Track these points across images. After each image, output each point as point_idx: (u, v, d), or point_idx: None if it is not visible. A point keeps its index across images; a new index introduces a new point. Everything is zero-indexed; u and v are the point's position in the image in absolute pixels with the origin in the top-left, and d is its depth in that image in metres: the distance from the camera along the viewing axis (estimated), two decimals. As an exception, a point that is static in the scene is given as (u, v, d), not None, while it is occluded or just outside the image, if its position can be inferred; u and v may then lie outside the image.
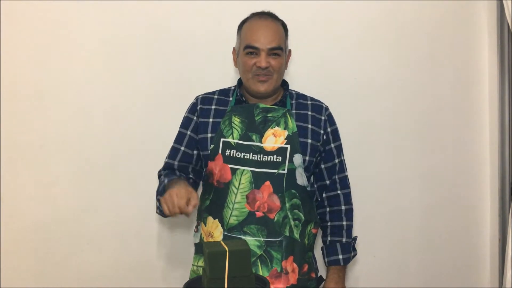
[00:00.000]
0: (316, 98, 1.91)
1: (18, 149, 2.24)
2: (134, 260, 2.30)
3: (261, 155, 1.72)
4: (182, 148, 1.84)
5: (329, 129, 1.85)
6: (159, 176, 1.88)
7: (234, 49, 1.86)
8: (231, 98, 1.85)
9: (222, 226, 1.74)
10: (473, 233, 2.48)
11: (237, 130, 1.76)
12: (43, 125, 2.25)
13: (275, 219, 1.72)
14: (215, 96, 1.87)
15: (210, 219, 1.77)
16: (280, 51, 1.76)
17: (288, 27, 1.86)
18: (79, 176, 2.27)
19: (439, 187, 2.44)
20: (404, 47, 2.39)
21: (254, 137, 1.74)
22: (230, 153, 1.74)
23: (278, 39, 1.76)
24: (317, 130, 1.81)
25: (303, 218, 1.77)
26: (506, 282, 2.18)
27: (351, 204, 1.89)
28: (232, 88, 1.89)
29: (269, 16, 1.81)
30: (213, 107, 1.83)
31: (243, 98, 1.83)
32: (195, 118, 1.84)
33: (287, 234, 1.74)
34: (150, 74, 2.28)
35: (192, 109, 1.86)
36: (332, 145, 1.86)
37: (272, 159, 1.72)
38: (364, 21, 2.36)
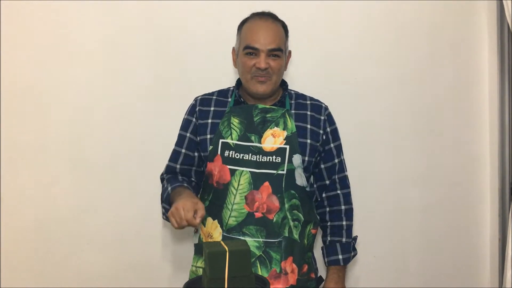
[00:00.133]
0: (316, 98, 1.90)
1: (18, 149, 2.24)
2: (134, 260, 2.30)
3: (260, 155, 1.72)
4: (183, 151, 1.84)
5: (328, 129, 1.84)
6: (162, 180, 1.88)
7: (233, 49, 1.85)
8: (229, 99, 1.84)
9: (221, 227, 1.74)
10: (473, 233, 2.48)
11: (236, 131, 1.75)
12: (43, 125, 2.25)
13: (274, 219, 1.71)
14: (214, 97, 1.86)
15: (209, 220, 1.77)
16: (280, 53, 1.76)
17: (288, 27, 1.86)
18: (79, 176, 2.27)
19: (439, 187, 2.44)
20: (404, 47, 2.39)
21: (253, 138, 1.74)
22: (229, 154, 1.73)
23: (278, 40, 1.75)
24: (316, 130, 1.81)
25: (303, 218, 1.77)
26: (506, 282, 2.18)
27: (351, 204, 1.88)
28: (231, 88, 1.89)
29: (269, 16, 1.80)
30: (212, 108, 1.83)
31: (242, 99, 1.82)
32: (194, 120, 1.84)
33: (286, 234, 1.73)
34: (150, 74, 2.28)
35: (191, 111, 1.86)
36: (332, 145, 1.85)
37: (271, 160, 1.72)
38: (364, 21, 2.36)
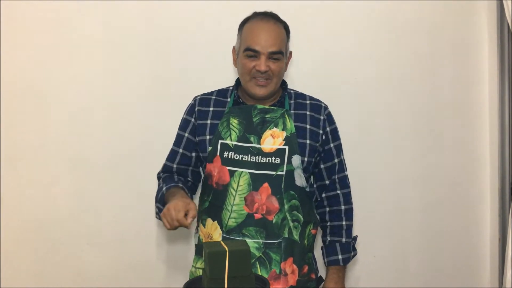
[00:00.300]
0: (316, 97, 1.90)
1: (18, 149, 2.24)
2: (134, 260, 2.30)
3: (259, 156, 1.71)
4: (180, 151, 1.84)
5: (328, 129, 1.83)
6: (158, 178, 1.88)
7: (234, 48, 1.84)
8: (229, 99, 1.83)
9: (221, 228, 1.73)
10: (473, 233, 2.48)
11: (235, 131, 1.74)
12: (43, 125, 2.25)
13: (274, 220, 1.71)
14: (213, 97, 1.85)
15: (209, 220, 1.76)
16: (281, 55, 1.74)
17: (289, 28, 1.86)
18: (79, 176, 2.27)
19: (439, 187, 2.45)
20: (404, 47, 2.39)
21: (252, 139, 1.73)
22: (228, 155, 1.72)
23: (279, 43, 1.73)
24: (316, 131, 1.80)
25: (302, 219, 1.76)
26: (506, 282, 2.18)
27: (351, 203, 1.88)
28: (230, 88, 1.87)
29: (271, 17, 1.77)
30: (211, 108, 1.82)
31: (241, 99, 1.81)
32: (193, 120, 1.83)
33: (286, 235, 1.73)
34: (150, 74, 2.28)
35: (190, 110, 1.85)
36: (332, 145, 1.85)
37: (270, 161, 1.71)
38: (364, 21, 2.36)
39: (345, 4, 2.35)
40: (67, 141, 2.26)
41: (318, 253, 1.90)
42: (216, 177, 1.74)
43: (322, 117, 1.82)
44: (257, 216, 1.70)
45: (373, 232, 2.39)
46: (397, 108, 2.40)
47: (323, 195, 1.86)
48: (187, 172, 1.86)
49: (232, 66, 1.89)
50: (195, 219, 1.78)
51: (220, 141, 1.74)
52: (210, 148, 1.75)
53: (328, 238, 1.85)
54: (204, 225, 1.78)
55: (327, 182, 1.85)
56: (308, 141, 1.77)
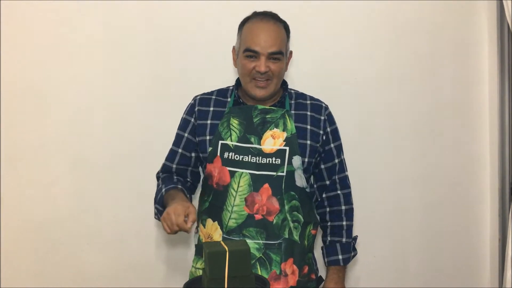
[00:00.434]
0: (316, 97, 1.89)
1: (18, 149, 2.24)
2: (134, 260, 2.30)
3: (260, 157, 1.71)
4: (180, 151, 1.83)
5: (328, 129, 1.83)
6: (158, 178, 1.88)
7: (234, 48, 1.83)
8: (229, 99, 1.82)
9: (221, 228, 1.73)
10: (473, 233, 2.48)
11: (235, 132, 1.74)
12: (43, 125, 2.25)
13: (274, 221, 1.71)
14: (213, 97, 1.84)
15: (209, 221, 1.76)
16: (281, 56, 1.73)
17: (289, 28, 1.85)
18: (79, 176, 2.27)
19: (439, 187, 2.45)
20: (404, 47, 2.39)
21: (252, 139, 1.73)
22: (228, 155, 1.72)
23: (279, 43, 1.72)
24: (316, 131, 1.80)
25: (302, 219, 1.76)
26: (506, 282, 2.18)
27: (351, 204, 1.88)
28: (231, 88, 1.86)
29: (271, 17, 1.76)
30: (211, 108, 1.81)
31: (241, 99, 1.81)
32: (192, 120, 1.82)
33: (287, 236, 1.73)
34: (150, 74, 2.28)
35: (190, 110, 1.84)
36: (332, 145, 1.84)
37: (271, 161, 1.71)
38: (364, 21, 2.36)
39: (345, 4, 2.35)
40: (67, 141, 2.26)
41: (318, 253, 1.90)
42: (216, 177, 1.73)
43: (322, 118, 1.82)
44: (258, 216, 1.70)
45: (373, 232, 2.39)
46: (397, 108, 2.40)
47: (324, 195, 1.86)
48: (186, 173, 1.86)
49: (232, 66, 1.88)
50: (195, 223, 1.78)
51: (220, 142, 1.73)
52: (210, 148, 1.75)
53: (329, 238, 1.85)
54: (204, 226, 1.78)
55: (327, 182, 1.85)
56: (308, 142, 1.77)
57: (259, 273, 1.70)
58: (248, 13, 1.82)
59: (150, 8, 2.26)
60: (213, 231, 1.74)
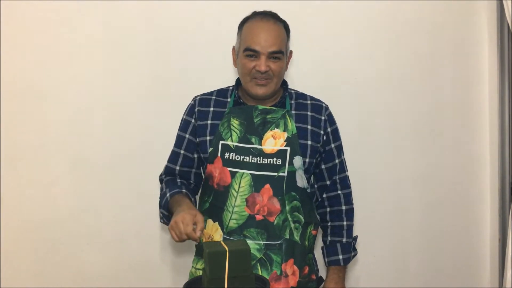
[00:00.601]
0: (316, 97, 1.89)
1: (18, 149, 2.24)
2: (134, 260, 2.30)
3: (261, 157, 1.71)
4: (182, 152, 1.83)
5: (329, 129, 1.83)
6: (161, 181, 1.87)
7: (233, 48, 1.83)
8: (229, 99, 1.82)
9: (222, 229, 1.72)
10: (473, 233, 2.48)
11: (236, 132, 1.74)
12: (43, 125, 2.25)
13: (275, 222, 1.70)
14: (213, 97, 1.84)
15: (210, 221, 1.76)
16: (281, 55, 1.73)
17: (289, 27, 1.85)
18: (79, 176, 2.27)
19: (439, 187, 2.45)
20: (404, 47, 2.39)
21: (253, 140, 1.72)
22: (229, 156, 1.72)
23: (279, 42, 1.72)
24: (317, 131, 1.79)
25: (303, 220, 1.76)
26: (506, 282, 2.18)
27: (351, 204, 1.88)
28: (231, 88, 1.86)
29: (271, 17, 1.76)
30: (211, 109, 1.81)
31: (241, 99, 1.81)
32: (193, 121, 1.82)
33: (287, 237, 1.72)
34: (150, 74, 2.28)
35: (190, 111, 1.84)
36: (332, 145, 1.84)
37: (271, 162, 1.71)
38: (364, 21, 2.36)
39: (345, 4, 2.34)
40: (67, 141, 2.26)
41: (318, 253, 1.90)
42: (217, 178, 1.73)
43: (323, 118, 1.82)
44: (259, 217, 1.70)
45: (373, 232, 2.39)
46: (397, 108, 2.40)
47: (324, 195, 1.86)
48: (190, 175, 1.85)
49: (232, 66, 1.88)
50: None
51: (221, 142, 1.73)
52: (210, 149, 1.75)
53: (329, 238, 1.85)
54: (204, 226, 1.77)
55: (328, 182, 1.85)
56: (309, 142, 1.76)
57: (260, 273, 1.69)
58: (248, 13, 1.82)
59: (150, 8, 2.26)
60: (214, 232, 1.74)
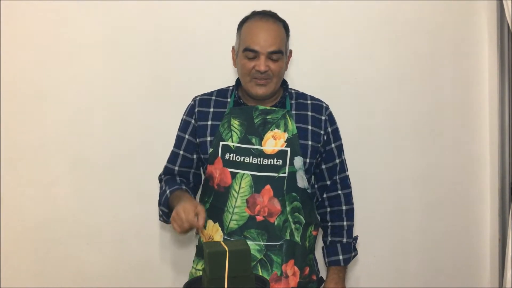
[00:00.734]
0: (316, 97, 1.89)
1: (18, 149, 2.24)
2: (134, 260, 2.30)
3: (261, 158, 1.70)
4: (181, 152, 1.83)
5: (329, 129, 1.83)
6: (160, 180, 1.87)
7: (233, 48, 1.83)
8: (229, 99, 1.82)
9: (222, 230, 1.72)
10: (473, 233, 2.48)
11: (236, 133, 1.73)
12: (43, 125, 2.25)
13: (276, 223, 1.70)
14: (213, 97, 1.83)
15: (210, 222, 1.75)
16: (280, 55, 1.72)
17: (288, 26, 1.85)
18: (79, 176, 2.27)
19: (439, 187, 2.45)
20: (404, 47, 2.39)
21: (253, 140, 1.72)
22: (229, 156, 1.71)
23: (278, 42, 1.72)
24: (317, 131, 1.79)
25: (304, 221, 1.76)
26: (506, 282, 2.18)
27: (352, 204, 1.88)
28: (231, 88, 1.86)
29: (270, 17, 1.76)
30: (211, 109, 1.80)
31: (241, 100, 1.80)
32: (193, 121, 1.81)
33: (288, 237, 1.72)
34: (150, 74, 2.28)
35: (190, 111, 1.83)
36: (333, 145, 1.84)
37: (272, 163, 1.70)
38: (364, 21, 2.36)
39: (345, 4, 2.34)
40: (67, 141, 2.26)
41: (318, 254, 1.90)
42: (217, 179, 1.73)
43: (323, 118, 1.82)
44: (259, 218, 1.69)
45: (373, 232, 2.39)
46: (397, 108, 2.40)
47: (324, 195, 1.86)
48: (188, 175, 1.85)
49: (232, 66, 1.88)
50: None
51: (221, 143, 1.73)
52: (211, 149, 1.74)
53: (329, 239, 1.85)
54: (204, 227, 1.77)
55: (328, 182, 1.85)
56: (309, 142, 1.76)
57: (260, 274, 1.69)
58: (247, 13, 1.82)
59: (150, 8, 2.26)
60: (214, 233, 1.74)
